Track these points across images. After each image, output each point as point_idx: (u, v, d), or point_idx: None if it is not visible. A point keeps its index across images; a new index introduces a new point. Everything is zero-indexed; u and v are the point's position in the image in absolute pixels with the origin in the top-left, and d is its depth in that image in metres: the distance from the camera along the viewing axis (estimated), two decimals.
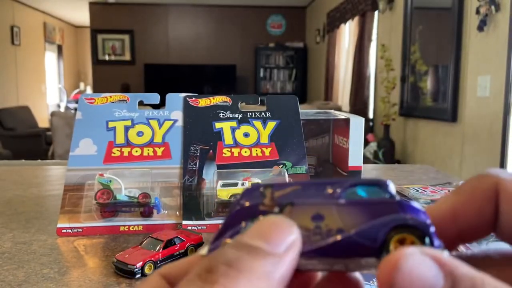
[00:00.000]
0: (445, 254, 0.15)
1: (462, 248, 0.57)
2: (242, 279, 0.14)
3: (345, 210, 0.16)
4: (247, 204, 0.17)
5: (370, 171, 1.00)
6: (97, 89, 7.34)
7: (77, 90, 8.43)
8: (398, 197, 0.17)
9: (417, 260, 0.14)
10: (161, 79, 7.21)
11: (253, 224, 0.16)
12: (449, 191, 0.79)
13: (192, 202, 0.61)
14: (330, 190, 0.17)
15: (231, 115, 0.67)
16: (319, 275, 0.18)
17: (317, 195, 0.17)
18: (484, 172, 0.18)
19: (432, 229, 0.16)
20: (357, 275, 0.18)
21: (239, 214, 0.17)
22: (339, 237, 0.16)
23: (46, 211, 0.68)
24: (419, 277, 0.14)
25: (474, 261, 0.18)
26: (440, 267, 0.14)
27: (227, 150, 0.65)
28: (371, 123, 4.33)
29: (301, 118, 0.69)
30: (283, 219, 0.16)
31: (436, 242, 0.16)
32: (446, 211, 0.18)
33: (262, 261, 0.14)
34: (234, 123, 0.67)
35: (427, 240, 0.16)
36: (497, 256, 0.18)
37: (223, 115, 0.67)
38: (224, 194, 0.61)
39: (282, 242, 0.15)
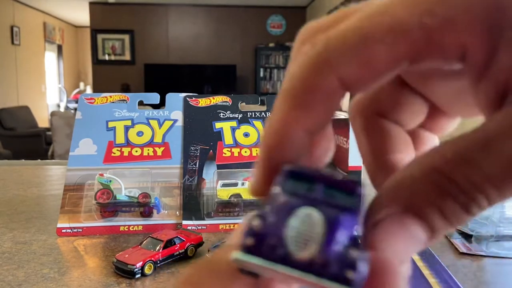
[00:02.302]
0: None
1: (461, 247, 0.56)
2: None
3: None
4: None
5: None
6: (97, 89, 7.34)
7: (77, 90, 8.43)
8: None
9: None
10: (161, 79, 7.21)
11: None
12: None
13: (192, 202, 0.61)
14: None
15: (231, 115, 0.67)
16: None
17: None
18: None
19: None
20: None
21: None
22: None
23: (46, 211, 0.68)
24: None
25: None
26: None
27: (227, 150, 0.65)
28: None
29: None
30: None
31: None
32: None
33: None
34: (234, 123, 0.67)
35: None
36: None
37: (223, 115, 0.67)
38: (224, 194, 0.61)
39: None
